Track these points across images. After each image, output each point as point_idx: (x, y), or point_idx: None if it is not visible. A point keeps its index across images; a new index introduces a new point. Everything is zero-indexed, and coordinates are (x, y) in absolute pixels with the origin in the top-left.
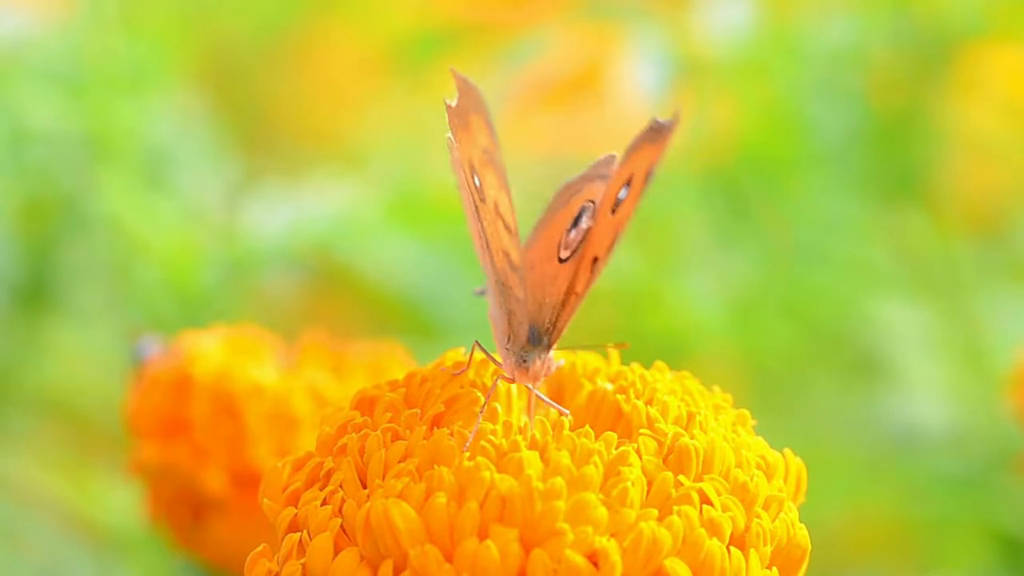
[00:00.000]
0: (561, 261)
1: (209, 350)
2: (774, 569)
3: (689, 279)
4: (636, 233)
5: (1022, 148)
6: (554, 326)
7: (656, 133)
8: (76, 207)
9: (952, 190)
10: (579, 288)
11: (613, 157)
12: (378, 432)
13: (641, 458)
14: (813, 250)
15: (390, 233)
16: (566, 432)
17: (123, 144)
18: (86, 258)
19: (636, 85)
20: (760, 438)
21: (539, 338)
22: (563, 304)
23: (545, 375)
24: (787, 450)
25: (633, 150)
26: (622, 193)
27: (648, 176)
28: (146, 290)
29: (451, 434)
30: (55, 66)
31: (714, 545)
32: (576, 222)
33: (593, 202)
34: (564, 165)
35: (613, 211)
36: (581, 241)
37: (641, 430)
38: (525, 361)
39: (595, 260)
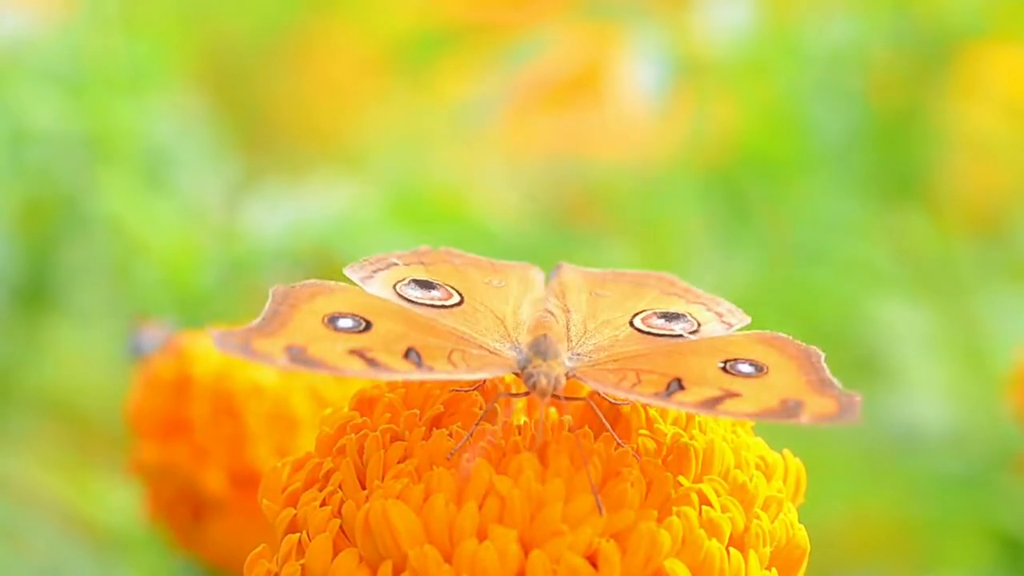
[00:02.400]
0: (631, 325)
1: (209, 350)
2: (773, 570)
3: (689, 279)
4: (636, 233)
5: (1022, 148)
6: (587, 364)
7: (826, 383)
8: (76, 207)
9: (952, 190)
10: (645, 378)
11: (735, 310)
12: (377, 433)
13: (640, 459)
14: (813, 250)
15: (390, 233)
16: (565, 433)
17: (123, 144)
18: (86, 258)
19: (636, 85)
20: (759, 439)
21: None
22: (612, 359)
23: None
24: (786, 450)
25: (770, 345)
26: (743, 367)
27: (789, 409)
28: (146, 290)
29: (450, 435)
30: (55, 66)
31: (713, 546)
32: (673, 319)
33: (697, 326)
34: (564, 165)
35: (727, 369)
36: (664, 337)
37: (640, 431)
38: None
39: (679, 383)
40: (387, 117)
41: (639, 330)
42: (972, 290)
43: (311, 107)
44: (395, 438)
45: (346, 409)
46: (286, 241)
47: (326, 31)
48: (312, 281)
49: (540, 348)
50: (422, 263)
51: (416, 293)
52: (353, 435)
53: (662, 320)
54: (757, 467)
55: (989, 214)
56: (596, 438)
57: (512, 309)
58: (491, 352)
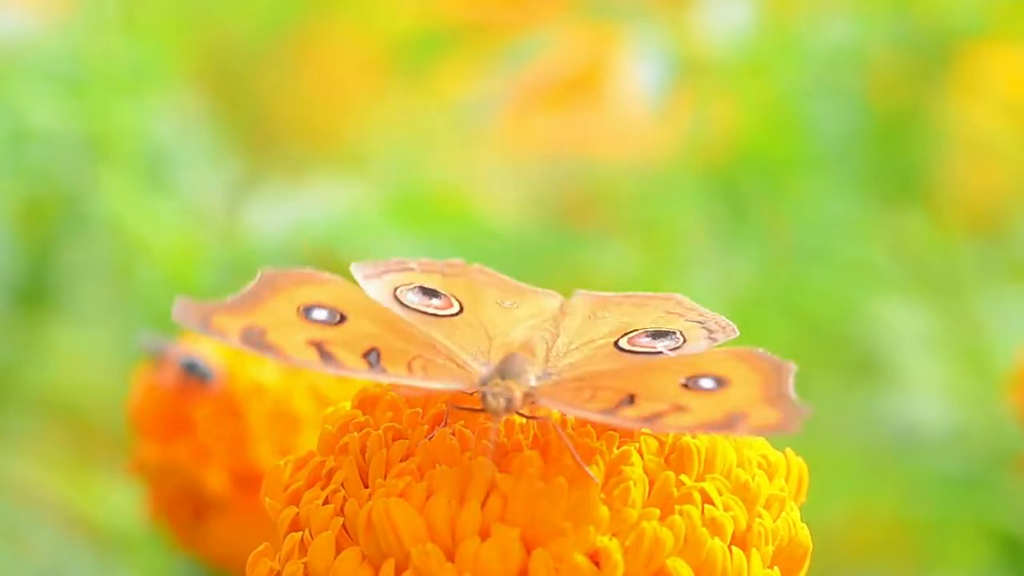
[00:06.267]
0: (616, 346)
1: (210, 350)
2: (776, 569)
3: (689, 279)
4: (637, 232)
5: (1022, 148)
6: (553, 383)
7: (779, 393)
8: (76, 207)
9: (952, 190)
10: (602, 394)
11: (732, 327)
12: (379, 431)
13: (643, 457)
14: (813, 250)
15: (391, 233)
16: (568, 431)
17: (123, 144)
18: (86, 258)
19: (636, 85)
20: (761, 438)
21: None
22: (578, 377)
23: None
24: (788, 449)
25: (741, 359)
26: (704, 382)
27: (736, 420)
28: (146, 290)
29: (452, 433)
30: (55, 66)
31: (716, 545)
32: (659, 336)
33: (682, 342)
34: (565, 165)
35: (687, 385)
36: (643, 355)
37: (642, 429)
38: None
39: (632, 399)
40: (387, 117)
41: (621, 349)
42: (972, 290)
43: (311, 107)
44: (397, 436)
45: (348, 407)
46: (287, 241)
47: (326, 31)
48: (307, 270)
49: (505, 367)
50: (443, 273)
51: (415, 299)
52: (355, 433)
53: (649, 339)
54: (759, 466)
55: (989, 214)
56: (598, 436)
57: (504, 329)
58: (458, 365)
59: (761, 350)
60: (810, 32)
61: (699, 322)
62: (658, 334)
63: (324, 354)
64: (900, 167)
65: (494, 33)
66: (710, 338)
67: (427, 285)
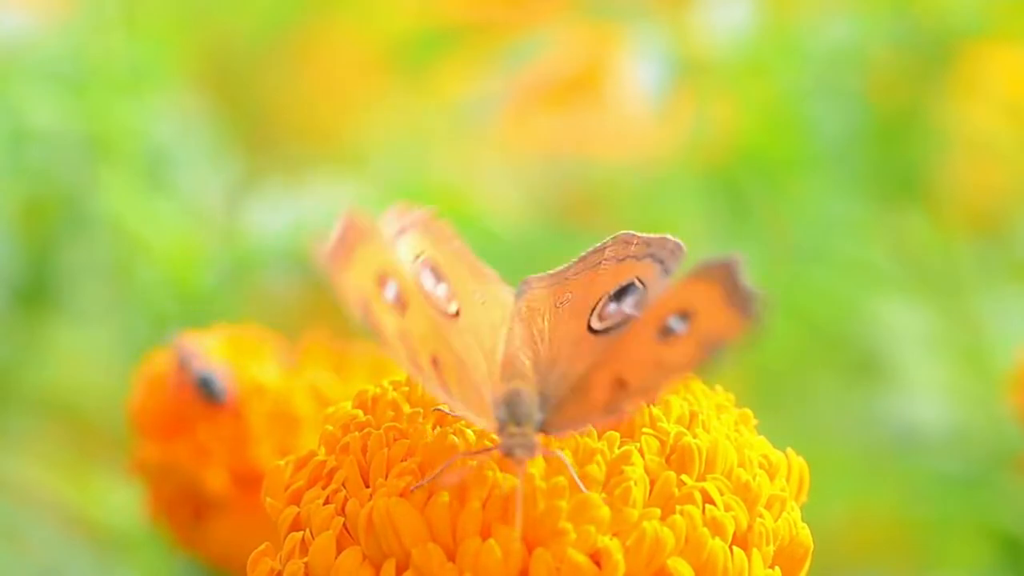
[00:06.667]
0: (591, 330)
1: (210, 349)
2: (776, 568)
3: None
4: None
5: (1022, 148)
6: (553, 406)
7: (736, 291)
8: (76, 207)
9: (952, 190)
10: (596, 391)
11: (679, 246)
12: (380, 431)
13: (644, 457)
14: (813, 250)
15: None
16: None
17: (123, 144)
18: (86, 258)
19: (636, 85)
20: (762, 437)
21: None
22: (571, 387)
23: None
24: (789, 449)
25: (697, 279)
26: (675, 324)
27: (714, 344)
28: (147, 290)
29: (454, 433)
30: (55, 66)
31: (717, 544)
32: (622, 296)
33: (644, 285)
34: (565, 165)
35: (662, 336)
36: (618, 327)
37: (643, 429)
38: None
39: (623, 384)
40: (387, 117)
41: (595, 332)
42: (972, 290)
43: (311, 107)
44: (398, 436)
45: (349, 407)
46: (287, 241)
47: (326, 31)
48: (370, 222)
49: (514, 409)
50: (433, 238)
51: (430, 284)
52: (356, 433)
53: (614, 304)
54: (760, 466)
55: (989, 214)
56: (600, 437)
57: (492, 344)
58: (477, 392)
59: (712, 258)
60: (810, 32)
61: (650, 255)
62: (620, 294)
63: (411, 353)
64: (900, 167)
65: (494, 33)
66: (664, 270)
67: (432, 259)
